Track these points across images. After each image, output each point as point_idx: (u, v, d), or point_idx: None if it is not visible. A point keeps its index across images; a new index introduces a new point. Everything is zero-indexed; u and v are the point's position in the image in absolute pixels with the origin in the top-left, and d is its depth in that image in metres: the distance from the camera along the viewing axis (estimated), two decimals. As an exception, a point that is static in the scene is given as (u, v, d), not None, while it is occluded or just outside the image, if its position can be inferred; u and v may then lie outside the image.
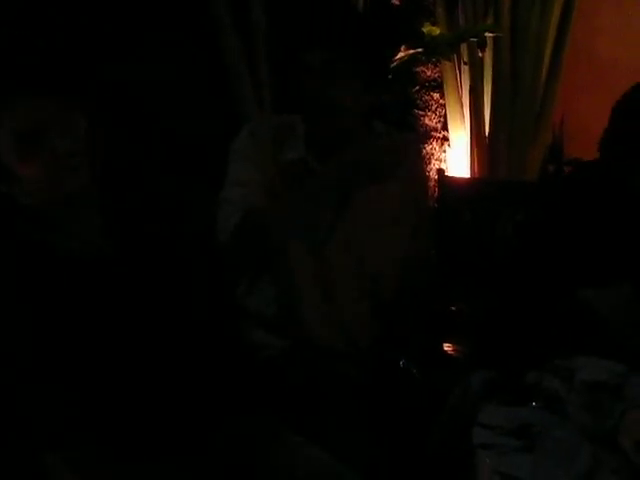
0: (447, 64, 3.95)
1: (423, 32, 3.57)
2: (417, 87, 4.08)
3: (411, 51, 3.33)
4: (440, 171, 3.37)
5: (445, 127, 4.12)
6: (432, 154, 4.12)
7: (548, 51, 3.96)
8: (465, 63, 3.94)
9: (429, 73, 4.08)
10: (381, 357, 2.24)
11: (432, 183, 3.41)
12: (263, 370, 2.17)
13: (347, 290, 2.29)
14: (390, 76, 3.28)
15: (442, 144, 4.14)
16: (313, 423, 2.04)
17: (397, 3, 3.79)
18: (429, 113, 4.12)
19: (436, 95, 4.11)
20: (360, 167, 2.04)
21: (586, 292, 2.24)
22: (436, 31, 3.63)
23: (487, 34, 3.74)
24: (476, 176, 3.93)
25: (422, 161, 2.49)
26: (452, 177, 3.59)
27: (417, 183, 2.45)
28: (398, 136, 2.48)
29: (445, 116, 4.10)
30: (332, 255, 2.25)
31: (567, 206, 2.36)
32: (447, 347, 2.85)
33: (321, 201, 2.13)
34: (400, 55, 3.30)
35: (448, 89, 4.03)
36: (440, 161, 4.12)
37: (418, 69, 4.04)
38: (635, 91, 2.36)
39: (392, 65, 3.30)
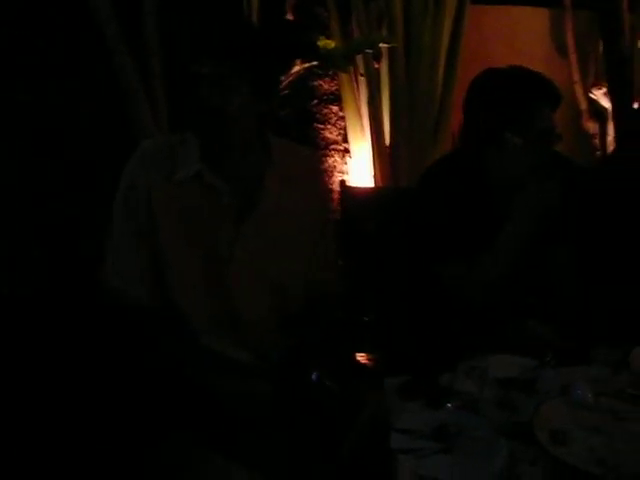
0: (344, 77, 3.97)
1: (318, 46, 3.58)
2: (316, 101, 4.09)
3: (306, 65, 3.33)
4: (342, 182, 3.38)
5: (346, 139, 4.14)
6: (334, 167, 4.13)
7: (442, 59, 4.03)
8: (362, 75, 3.97)
9: (327, 87, 4.10)
10: (292, 370, 2.21)
11: (335, 195, 3.41)
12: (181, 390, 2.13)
13: (253, 303, 2.26)
14: (287, 91, 3.29)
15: (344, 156, 4.16)
16: (228, 440, 2.00)
17: (292, 18, 3.79)
18: (329, 126, 4.14)
19: (335, 108, 4.13)
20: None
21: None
22: (331, 44, 3.65)
23: (382, 45, 3.78)
24: (379, 185, 3.95)
25: (323, 173, 2.49)
26: (354, 187, 3.61)
27: (319, 195, 2.44)
28: (297, 149, 2.46)
29: (345, 128, 4.12)
30: (235, 268, 2.22)
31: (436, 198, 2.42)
32: (361, 357, 2.85)
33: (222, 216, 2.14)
34: (296, 69, 3.30)
35: (346, 101, 4.05)
36: (343, 173, 4.13)
37: (316, 83, 4.05)
38: (484, 79, 2.42)
39: (289, 79, 3.30)
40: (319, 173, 2.66)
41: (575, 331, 2.29)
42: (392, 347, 2.55)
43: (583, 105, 4.36)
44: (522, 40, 4.47)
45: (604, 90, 4.17)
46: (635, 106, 4.02)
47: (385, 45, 3.78)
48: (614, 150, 3.08)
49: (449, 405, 1.98)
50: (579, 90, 4.35)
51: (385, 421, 1.95)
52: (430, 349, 2.21)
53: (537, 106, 2.28)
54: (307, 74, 3.57)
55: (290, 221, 2.28)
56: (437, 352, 2.15)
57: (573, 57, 4.33)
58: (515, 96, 2.29)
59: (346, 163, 4.16)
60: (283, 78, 3.30)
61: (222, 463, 1.89)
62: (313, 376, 2.19)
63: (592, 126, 4.33)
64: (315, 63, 3.39)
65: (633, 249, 2.63)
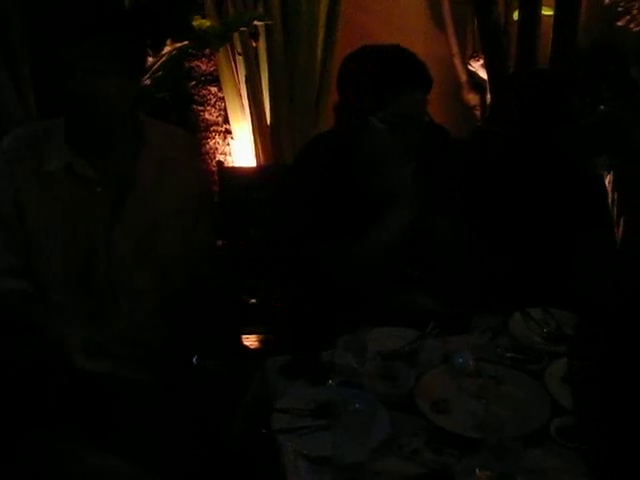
0: (222, 57, 3.90)
1: (193, 26, 3.49)
2: (194, 82, 4.01)
3: (178, 45, 3.25)
4: (219, 163, 3.31)
5: (226, 120, 4.07)
6: (216, 148, 4.06)
7: (321, 36, 3.98)
8: (239, 54, 3.89)
9: (204, 67, 4.02)
10: (174, 356, 2.16)
11: (216, 176, 3.34)
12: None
13: (133, 288, 2.20)
14: (161, 72, 3.21)
15: (225, 137, 4.09)
16: (109, 432, 1.95)
17: (166, -3, 3.69)
18: (209, 108, 4.07)
19: (214, 89, 4.06)
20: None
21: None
22: (207, 24, 3.56)
23: (258, 23, 3.72)
24: (258, 165, 3.90)
25: (198, 153, 2.43)
26: (231, 168, 3.57)
27: (196, 175, 2.40)
28: (171, 130, 2.41)
29: (225, 109, 4.04)
30: (114, 253, 2.17)
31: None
32: (247, 338, 2.81)
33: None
34: (168, 49, 3.21)
35: (225, 82, 3.97)
36: (225, 154, 4.06)
37: (192, 64, 3.96)
38: (354, 60, 2.38)
39: (161, 60, 3.21)
40: (195, 153, 2.62)
41: (456, 300, 2.30)
42: (276, 327, 2.52)
43: (463, 77, 4.38)
44: (401, 14, 4.46)
45: (482, 62, 4.20)
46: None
47: (261, 23, 3.71)
48: (484, 121, 3.11)
49: (331, 382, 1.95)
50: (458, 62, 4.37)
51: (268, 402, 1.92)
52: (311, 326, 2.18)
53: (405, 92, 2.23)
54: (183, 55, 3.48)
55: (169, 203, 2.25)
56: (318, 329, 2.11)
57: (450, 30, 4.34)
58: (382, 81, 2.23)
59: (228, 144, 4.09)
60: (155, 59, 3.21)
61: (99, 461, 1.83)
62: (194, 358, 2.15)
63: (473, 97, 4.35)
64: (186, 43, 3.30)
65: (510, 217, 2.65)
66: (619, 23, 4.56)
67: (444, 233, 2.42)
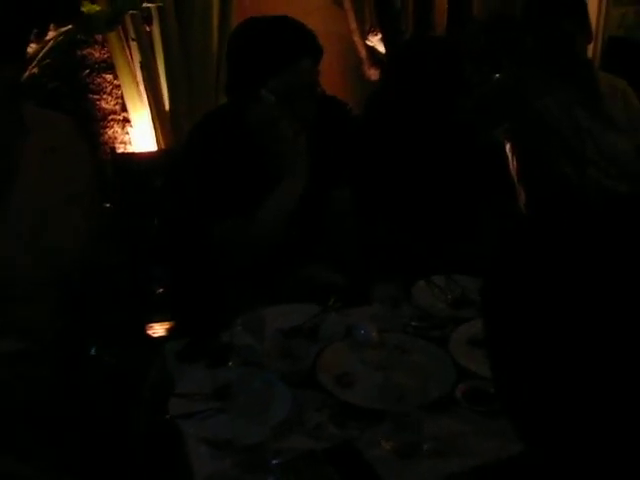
0: (115, 43, 3.78)
1: (82, 11, 3.38)
2: (88, 70, 3.88)
3: (63, 29, 3.13)
4: (112, 150, 3.23)
5: (124, 108, 3.95)
6: (115, 137, 3.95)
7: (216, 16, 3.89)
8: (133, 40, 3.78)
9: (97, 55, 3.89)
10: (71, 348, 2.07)
11: (112, 164, 3.25)
12: None
13: (27, 279, 2.11)
14: (48, 60, 3.10)
15: (124, 126, 3.98)
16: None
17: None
18: (105, 96, 3.94)
19: (109, 77, 3.93)
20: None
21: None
22: (96, 8, 3.45)
23: (150, 6, 3.62)
24: (161, 149, 3.81)
25: (84, 139, 2.33)
26: (129, 154, 3.47)
27: (84, 162, 2.31)
28: (54, 117, 2.31)
29: (122, 97, 3.93)
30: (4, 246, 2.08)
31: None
32: (153, 327, 2.74)
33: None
34: (52, 35, 3.10)
35: (120, 69, 3.85)
36: (125, 143, 3.96)
37: (85, 52, 3.83)
38: (241, 32, 2.33)
39: (48, 46, 3.10)
40: (81, 140, 2.53)
41: (356, 271, 2.26)
42: (177, 312, 2.45)
43: (362, 53, 4.35)
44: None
45: (380, 36, 4.18)
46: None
47: (153, 5, 3.62)
48: (377, 90, 3.08)
49: (231, 363, 1.90)
50: (357, 38, 4.34)
51: (168, 387, 1.86)
52: (208, 308, 2.12)
53: (292, 60, 2.18)
54: (71, 42, 3.36)
55: (57, 193, 2.15)
56: (216, 310, 2.06)
57: (348, 4, 4.31)
58: (269, 51, 2.18)
59: (127, 133, 3.98)
60: (40, 45, 3.09)
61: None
62: (92, 350, 2.08)
63: (374, 73, 4.33)
64: (70, 27, 3.18)
65: (408, 187, 2.64)
66: (512, -7, 4.59)
67: (342, 205, 2.38)
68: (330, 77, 4.35)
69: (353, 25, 4.33)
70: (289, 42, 2.18)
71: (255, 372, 1.81)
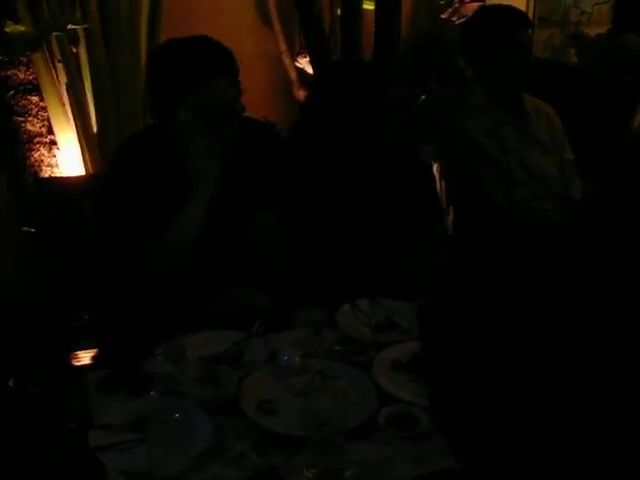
0: (41, 64, 3.72)
1: (5, 31, 3.33)
2: (12, 92, 3.81)
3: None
4: (34, 175, 3.17)
5: (51, 131, 3.88)
6: (42, 160, 3.88)
7: (144, 38, 3.86)
8: (59, 61, 3.73)
9: (22, 76, 3.83)
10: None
11: (37, 187, 3.19)
12: None
13: None
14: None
15: (51, 149, 3.91)
16: None
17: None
18: (30, 118, 3.87)
19: (35, 98, 3.87)
20: None
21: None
22: (20, 28, 3.40)
23: (76, 27, 3.57)
24: (90, 174, 3.75)
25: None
26: (58, 178, 3.41)
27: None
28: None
29: (49, 119, 3.86)
30: None
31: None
32: (77, 355, 2.69)
33: None
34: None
35: (46, 90, 3.79)
36: (52, 166, 3.89)
37: (9, 72, 3.76)
38: (158, 53, 2.34)
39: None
40: None
41: (281, 294, 2.25)
42: (101, 340, 2.40)
43: (292, 74, 4.36)
44: (227, 13, 4.42)
45: (308, 58, 4.19)
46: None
47: (79, 27, 3.57)
48: (301, 113, 3.08)
49: (153, 392, 1.86)
50: (287, 59, 4.35)
51: (89, 418, 1.82)
52: (132, 335, 2.08)
53: (208, 79, 2.17)
54: (-4, 64, 3.30)
55: None
56: (139, 338, 2.02)
57: (277, 27, 4.32)
58: (184, 70, 2.18)
59: (54, 156, 3.91)
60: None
61: None
62: (11, 382, 2.03)
63: (303, 94, 4.34)
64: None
65: (333, 210, 2.64)
66: (442, 16, 4.65)
67: (267, 227, 2.38)
68: (260, 97, 4.38)
69: (283, 47, 4.34)
70: (203, 60, 2.18)
71: (175, 401, 1.79)
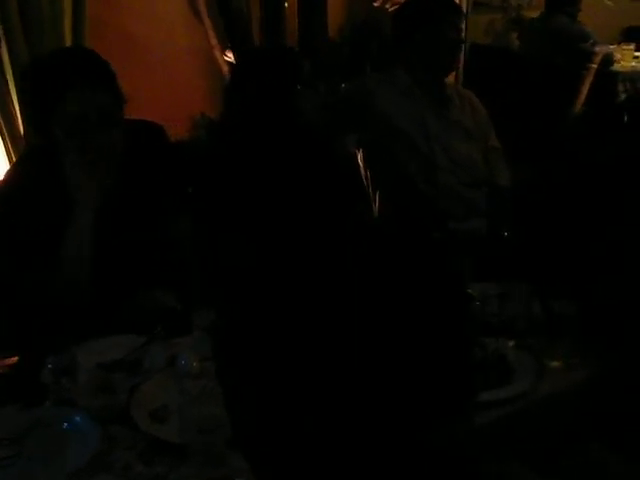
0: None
1: None
2: None
3: None
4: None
5: (-24, 135, 3.80)
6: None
7: (69, 36, 3.77)
8: (-18, 63, 3.66)
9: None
10: None
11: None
12: None
13: None
14: None
15: (-23, 156, 3.83)
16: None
17: None
18: (-43, 121, 3.79)
19: (-43, 102, 3.78)
20: None
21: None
22: None
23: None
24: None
25: None
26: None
27: None
28: None
29: (-28, 124, 3.79)
30: None
31: None
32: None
33: None
34: None
35: (-31, 94, 3.72)
36: (-20, 171, 3.81)
37: None
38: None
39: None
40: None
41: (187, 295, 2.21)
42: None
43: (225, 69, 4.31)
44: (159, 7, 4.36)
45: (237, 52, 4.16)
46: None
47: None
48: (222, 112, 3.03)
49: (47, 403, 1.82)
50: (218, 54, 4.30)
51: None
52: (25, 345, 2.03)
53: (66, 91, 2.11)
54: None
55: None
56: (33, 347, 1.97)
57: (207, 21, 4.26)
58: (45, 84, 2.14)
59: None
60: None
61: None
62: None
63: (235, 88, 4.28)
64: None
65: (252, 206, 2.59)
66: (375, 4, 4.62)
67: (182, 230, 2.33)
68: (194, 92, 4.34)
69: (214, 41, 4.28)
70: (64, 71, 2.14)
71: (67, 411, 1.75)
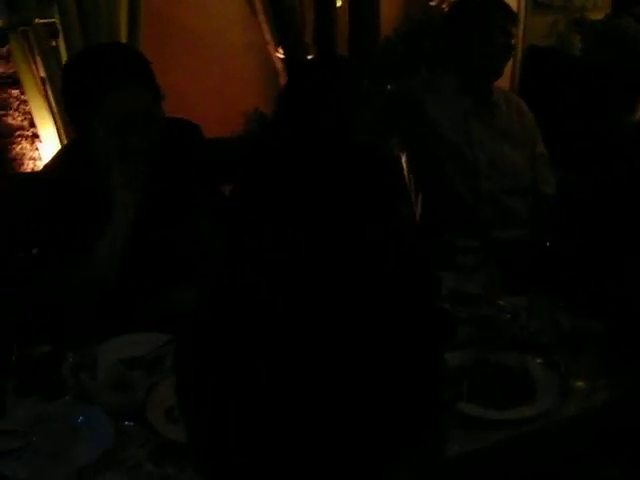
0: (19, 57, 3.71)
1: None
2: (-8, 86, 3.81)
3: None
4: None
5: (33, 124, 3.87)
6: (23, 154, 3.88)
7: (124, 29, 3.82)
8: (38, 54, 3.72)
9: (2, 69, 3.82)
10: None
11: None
12: None
13: None
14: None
15: (33, 142, 3.90)
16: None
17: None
18: (11, 112, 3.87)
19: (15, 92, 3.86)
20: None
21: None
22: (-8, 24, 3.41)
23: (54, 20, 3.57)
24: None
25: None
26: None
27: None
28: None
29: (30, 112, 3.86)
30: None
31: None
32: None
33: None
34: None
35: (26, 84, 3.78)
36: (34, 160, 3.89)
37: (-13, 67, 3.78)
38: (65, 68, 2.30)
39: None
40: None
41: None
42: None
43: (278, 65, 4.30)
44: (214, 2, 4.37)
45: (290, 50, 4.15)
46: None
47: (47, 20, 3.56)
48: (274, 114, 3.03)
49: (67, 397, 1.85)
50: (272, 50, 4.29)
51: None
52: (48, 340, 2.05)
53: (112, 89, 2.10)
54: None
55: None
56: (55, 343, 1.99)
57: (262, 17, 4.25)
58: (89, 81, 2.12)
59: (37, 149, 3.91)
60: None
61: None
62: None
63: (289, 85, 4.29)
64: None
65: (305, 210, 2.58)
66: (432, 3, 4.57)
67: (207, 231, 2.34)
68: (249, 87, 4.34)
69: (268, 37, 4.28)
70: (107, 71, 2.12)
71: (80, 406, 1.77)
